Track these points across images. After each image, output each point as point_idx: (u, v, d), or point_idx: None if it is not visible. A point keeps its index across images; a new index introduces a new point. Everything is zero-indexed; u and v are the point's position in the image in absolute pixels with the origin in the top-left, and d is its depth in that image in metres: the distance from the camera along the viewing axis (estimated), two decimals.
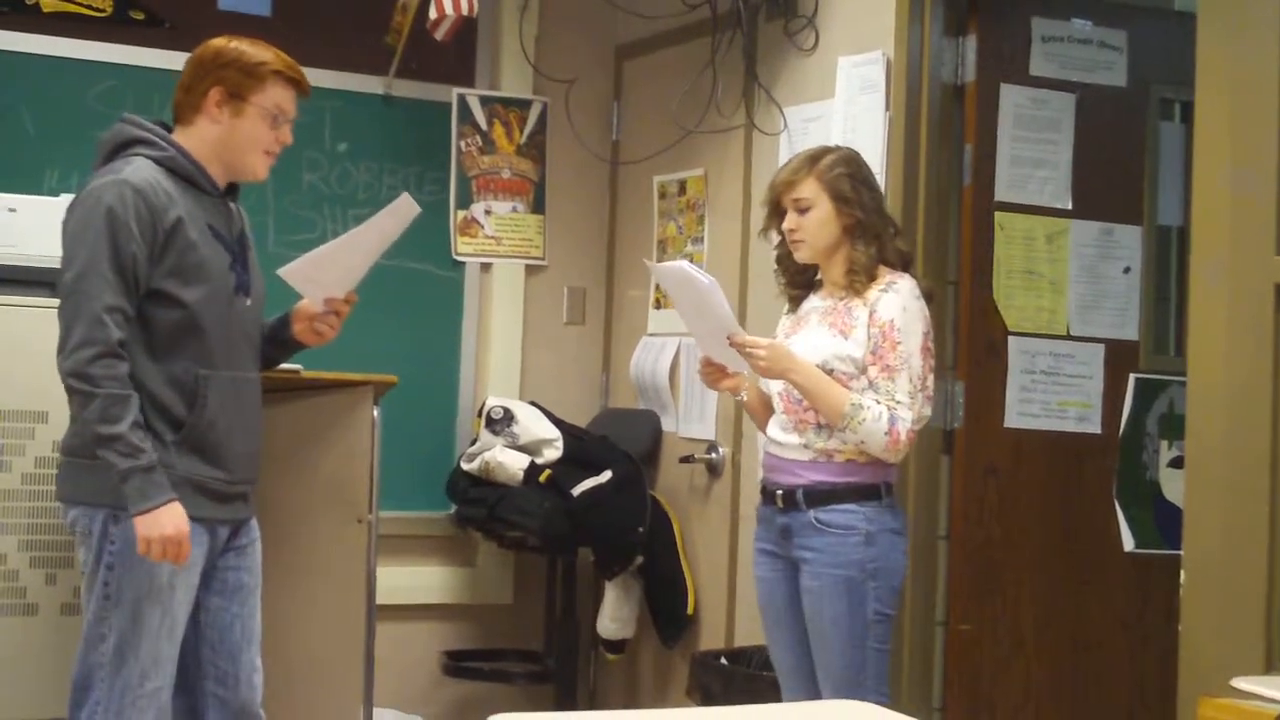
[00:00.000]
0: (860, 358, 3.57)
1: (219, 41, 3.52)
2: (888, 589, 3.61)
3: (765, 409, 3.83)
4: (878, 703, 3.32)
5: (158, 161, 3.41)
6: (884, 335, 3.56)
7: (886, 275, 3.63)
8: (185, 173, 3.44)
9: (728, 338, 3.63)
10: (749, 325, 4.84)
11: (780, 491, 3.69)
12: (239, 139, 3.50)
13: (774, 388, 3.76)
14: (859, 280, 3.62)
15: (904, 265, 3.69)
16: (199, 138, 3.49)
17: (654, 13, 5.25)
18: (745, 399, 3.85)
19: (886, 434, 3.52)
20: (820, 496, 3.61)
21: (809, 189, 3.66)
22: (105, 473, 3.32)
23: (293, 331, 3.70)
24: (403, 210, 3.56)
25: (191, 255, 3.38)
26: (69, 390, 3.32)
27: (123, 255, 3.29)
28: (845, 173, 3.65)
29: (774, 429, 3.76)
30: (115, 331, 3.28)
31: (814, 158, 3.70)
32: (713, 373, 3.77)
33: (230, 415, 3.47)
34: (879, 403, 3.53)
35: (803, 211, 3.67)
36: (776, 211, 3.75)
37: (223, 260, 3.47)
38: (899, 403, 3.54)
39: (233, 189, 3.59)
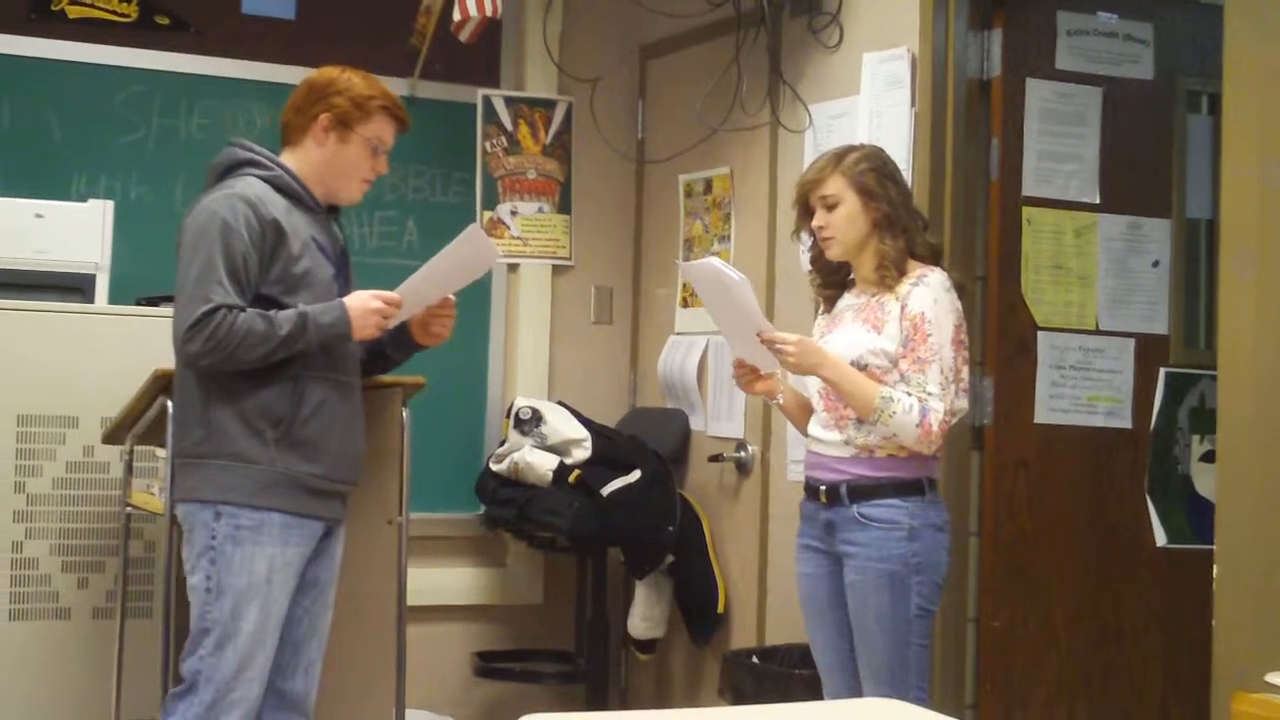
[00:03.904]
0: (893, 351, 3.58)
1: (333, 70, 3.74)
2: (930, 584, 3.61)
3: (801, 411, 3.84)
4: (917, 700, 3.32)
5: (266, 180, 3.62)
6: (915, 328, 3.56)
7: (917, 269, 3.65)
8: (291, 191, 3.64)
9: (757, 334, 3.64)
10: (777, 323, 4.81)
11: (824, 487, 3.69)
12: (341, 164, 3.71)
13: (813, 386, 3.77)
14: (889, 274, 3.64)
15: (934, 258, 3.71)
16: (304, 158, 3.69)
17: (678, 11, 5.23)
18: (781, 403, 3.87)
19: (918, 425, 3.53)
20: (863, 491, 3.62)
21: (835, 185, 3.68)
22: (211, 470, 3.53)
23: (411, 334, 3.85)
24: (474, 238, 3.71)
25: (296, 266, 3.57)
26: (209, 367, 3.49)
27: (234, 259, 3.49)
28: (870, 168, 3.68)
29: (815, 427, 3.77)
30: (220, 305, 3.45)
31: (839, 155, 3.74)
32: (745, 374, 3.78)
33: (328, 414, 3.62)
34: (910, 395, 3.54)
35: (831, 208, 3.69)
36: (805, 211, 3.77)
37: (326, 272, 3.66)
38: (930, 394, 3.54)
39: (334, 208, 3.78)
